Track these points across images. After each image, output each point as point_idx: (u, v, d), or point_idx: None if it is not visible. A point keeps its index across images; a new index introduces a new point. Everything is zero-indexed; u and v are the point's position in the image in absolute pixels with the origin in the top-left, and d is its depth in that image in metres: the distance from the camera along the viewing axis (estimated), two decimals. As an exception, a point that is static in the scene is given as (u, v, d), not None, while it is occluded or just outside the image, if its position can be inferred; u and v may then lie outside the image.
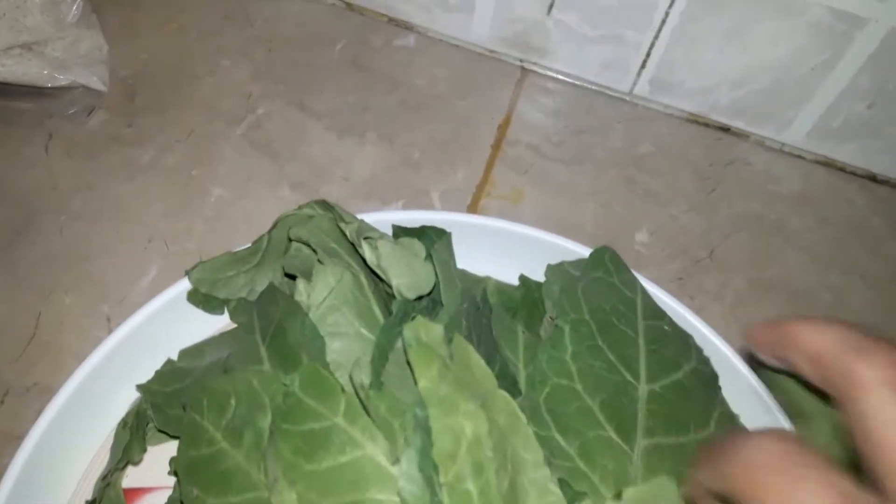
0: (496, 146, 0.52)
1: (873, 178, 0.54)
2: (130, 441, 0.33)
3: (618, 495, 0.29)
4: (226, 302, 0.40)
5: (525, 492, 0.28)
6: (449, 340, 0.31)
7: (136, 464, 0.35)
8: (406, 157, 0.51)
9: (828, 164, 0.55)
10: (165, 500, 0.35)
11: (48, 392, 0.37)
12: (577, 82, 0.56)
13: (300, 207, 0.39)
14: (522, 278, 0.42)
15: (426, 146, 0.52)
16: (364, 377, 0.30)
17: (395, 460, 0.27)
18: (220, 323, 0.41)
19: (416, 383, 0.29)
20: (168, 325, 0.39)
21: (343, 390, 0.29)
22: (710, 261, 0.49)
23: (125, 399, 0.37)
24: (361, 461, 0.27)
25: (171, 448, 0.37)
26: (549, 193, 0.51)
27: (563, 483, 0.30)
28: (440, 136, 0.52)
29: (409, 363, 0.30)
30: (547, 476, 0.29)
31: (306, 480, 0.27)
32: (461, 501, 0.26)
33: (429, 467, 0.26)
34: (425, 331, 0.31)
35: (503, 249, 0.43)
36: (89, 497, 0.34)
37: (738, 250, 0.50)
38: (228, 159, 0.50)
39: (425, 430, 0.27)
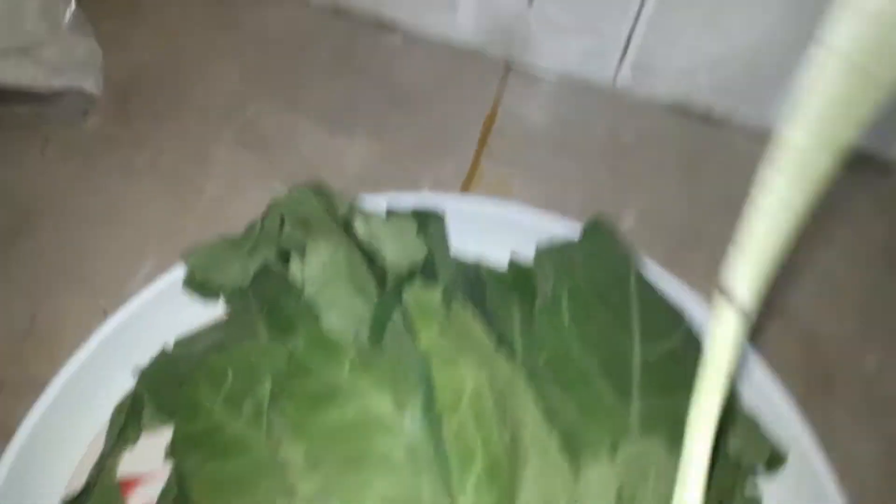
0: (482, 140, 0.53)
1: (859, 158, 0.55)
2: (126, 424, 0.34)
3: (614, 447, 0.29)
4: (220, 289, 0.41)
5: (525, 447, 0.29)
6: (447, 305, 0.32)
7: (132, 444, 0.35)
8: (395, 152, 0.52)
9: (808, 148, 0.56)
10: (160, 487, 0.35)
11: (42, 386, 0.37)
12: (560, 74, 0.57)
13: (291, 191, 0.40)
14: (512, 259, 0.42)
15: (414, 141, 0.53)
16: (365, 341, 0.31)
17: (401, 413, 0.27)
18: (217, 312, 0.41)
19: (415, 344, 0.30)
20: (164, 313, 0.39)
21: (346, 351, 0.29)
22: (695, 242, 0.50)
23: (121, 387, 0.37)
24: (367, 414, 0.27)
25: (167, 435, 0.37)
26: (537, 184, 0.52)
27: (563, 438, 0.30)
28: (428, 131, 0.53)
29: (407, 326, 0.31)
30: (547, 433, 0.29)
31: (311, 435, 0.27)
32: (465, 450, 0.26)
33: (432, 418, 0.27)
34: (425, 294, 0.31)
35: (494, 229, 0.44)
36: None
37: (723, 232, 0.51)
38: (221, 159, 0.51)
39: (428, 383, 0.28)
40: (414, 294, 0.31)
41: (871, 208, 0.53)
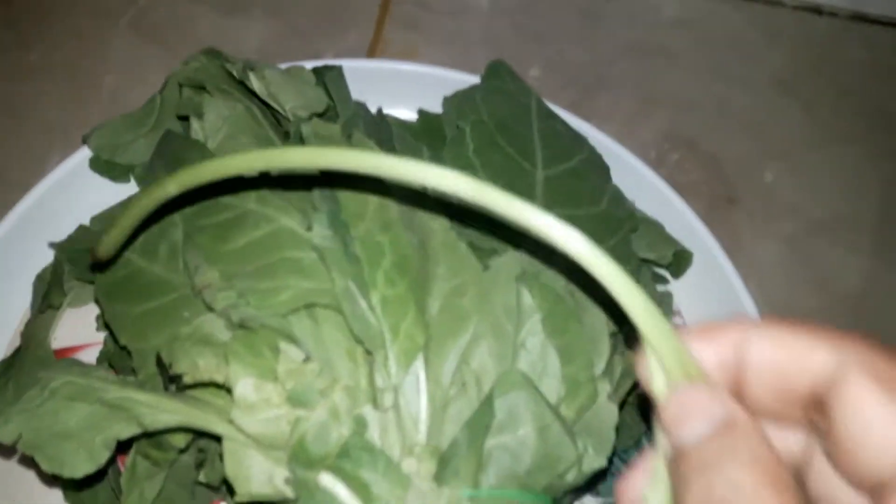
0: (384, 6, 0.53)
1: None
2: (49, 288, 0.34)
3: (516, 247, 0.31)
4: (130, 169, 0.41)
5: (435, 252, 0.30)
6: (348, 136, 0.33)
7: (56, 307, 0.35)
8: (294, 27, 0.52)
9: (701, -11, 0.57)
10: (96, 355, 0.36)
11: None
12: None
13: (186, 62, 0.39)
14: (421, 111, 0.43)
15: (313, 14, 0.52)
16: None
17: (308, 228, 0.28)
18: (130, 191, 0.41)
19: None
20: (76, 194, 0.39)
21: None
22: (598, 87, 0.52)
23: (40, 267, 0.38)
24: (277, 232, 0.28)
25: (93, 309, 0.38)
26: (442, 46, 0.52)
27: (471, 245, 0.32)
28: (326, 2, 0.53)
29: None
30: (454, 237, 0.31)
31: (225, 258, 0.28)
32: (373, 249, 0.27)
33: (339, 226, 0.28)
34: (323, 128, 0.32)
35: (400, 93, 0.45)
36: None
37: (625, 75, 0.53)
38: (118, 50, 0.50)
39: (332, 200, 0.29)
40: (312, 128, 0.32)
41: (762, 42, 0.55)
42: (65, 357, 0.36)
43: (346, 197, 0.29)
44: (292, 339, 0.26)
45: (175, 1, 0.52)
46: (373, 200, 0.30)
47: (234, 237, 0.29)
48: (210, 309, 0.28)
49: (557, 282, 0.31)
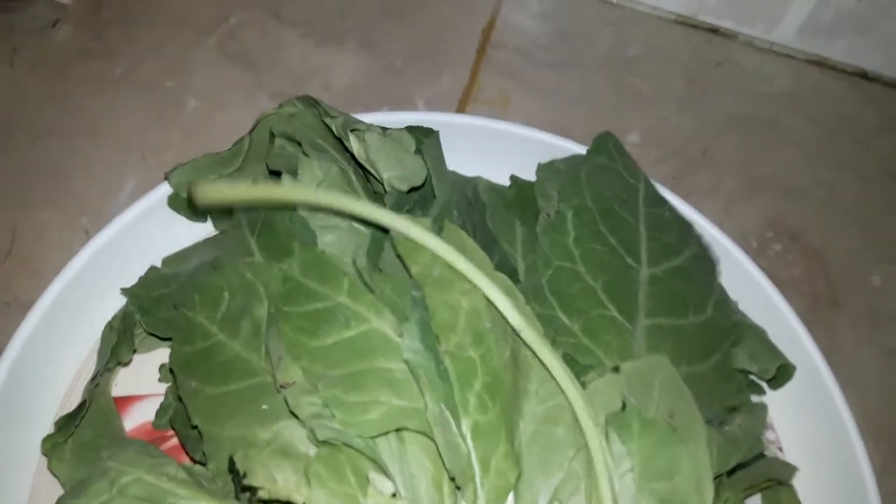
0: (481, 50, 0.50)
1: (864, 76, 0.53)
2: (118, 341, 0.32)
3: (616, 368, 0.28)
4: (208, 209, 0.39)
5: (528, 364, 0.28)
6: (439, 230, 0.30)
7: (125, 364, 0.34)
8: (388, 64, 0.49)
9: (818, 62, 0.54)
10: (156, 407, 0.34)
11: (28, 306, 0.35)
12: (562, -16, 0.54)
13: (281, 105, 0.37)
14: (514, 177, 0.41)
15: (408, 52, 0.50)
16: (364, 263, 0.29)
17: (401, 334, 0.26)
18: (204, 230, 0.39)
19: (409, 274, 0.28)
20: (150, 232, 0.38)
21: (345, 273, 0.28)
22: (702, 161, 0.49)
23: (109, 308, 0.36)
24: (368, 334, 0.26)
25: (159, 356, 0.36)
26: (538, 98, 0.50)
27: (567, 358, 0.29)
28: (423, 42, 0.50)
29: (399, 256, 0.29)
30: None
31: (311, 355, 0.26)
32: (465, 367, 0.25)
33: (430, 338, 0.25)
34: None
35: (492, 150, 0.42)
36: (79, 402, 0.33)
37: (729, 150, 0.49)
38: (203, 70, 0.48)
39: (423, 306, 0.26)
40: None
41: (877, 126, 0.52)
42: (126, 407, 0.34)
43: (437, 303, 0.27)
44: (379, 465, 0.24)
45: (265, 23, 0.50)
46: (465, 305, 0.27)
47: (323, 333, 0.27)
48: (292, 412, 0.25)
49: (658, 412, 0.28)
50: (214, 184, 0.29)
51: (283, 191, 0.30)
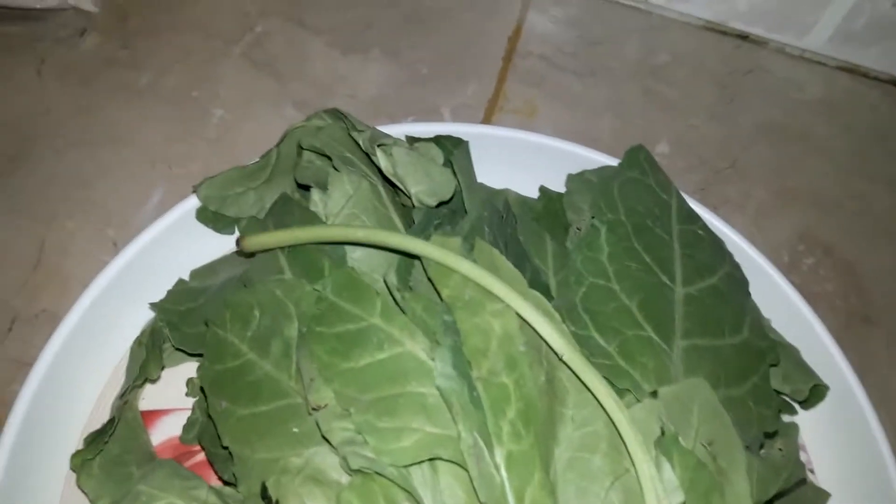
0: (507, 59, 0.50)
1: (898, 84, 0.52)
2: (147, 358, 0.32)
3: (654, 393, 0.28)
4: (236, 221, 0.39)
5: (563, 387, 0.27)
6: (470, 248, 0.30)
7: (153, 381, 0.34)
8: (413, 73, 0.49)
9: (850, 69, 0.53)
10: (183, 421, 0.34)
11: (56, 318, 0.35)
12: (589, -9, 0.53)
13: (309, 118, 0.37)
14: (543, 189, 0.40)
15: (434, 61, 0.49)
16: (394, 280, 0.29)
17: (434, 357, 0.25)
18: (233, 243, 0.39)
19: (440, 296, 0.28)
20: (177, 245, 0.38)
21: (377, 293, 0.27)
22: (732, 171, 0.48)
23: (137, 321, 0.36)
24: (401, 357, 0.26)
25: (185, 370, 0.36)
26: (565, 106, 0.49)
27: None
28: (448, 51, 0.50)
29: (430, 279, 0.29)
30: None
31: (343, 378, 0.25)
32: (498, 394, 0.25)
33: (462, 364, 0.25)
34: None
35: (519, 162, 0.42)
36: (107, 417, 0.33)
37: (760, 160, 0.49)
38: (229, 80, 0.48)
39: (455, 331, 0.26)
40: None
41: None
42: (153, 421, 0.34)
43: (469, 328, 0.26)
44: (411, 494, 0.23)
45: (292, 31, 0.50)
46: (497, 329, 0.27)
47: (356, 355, 0.26)
48: (324, 437, 0.25)
49: (698, 438, 0.27)
50: (260, 237, 0.32)
51: (323, 232, 0.31)
